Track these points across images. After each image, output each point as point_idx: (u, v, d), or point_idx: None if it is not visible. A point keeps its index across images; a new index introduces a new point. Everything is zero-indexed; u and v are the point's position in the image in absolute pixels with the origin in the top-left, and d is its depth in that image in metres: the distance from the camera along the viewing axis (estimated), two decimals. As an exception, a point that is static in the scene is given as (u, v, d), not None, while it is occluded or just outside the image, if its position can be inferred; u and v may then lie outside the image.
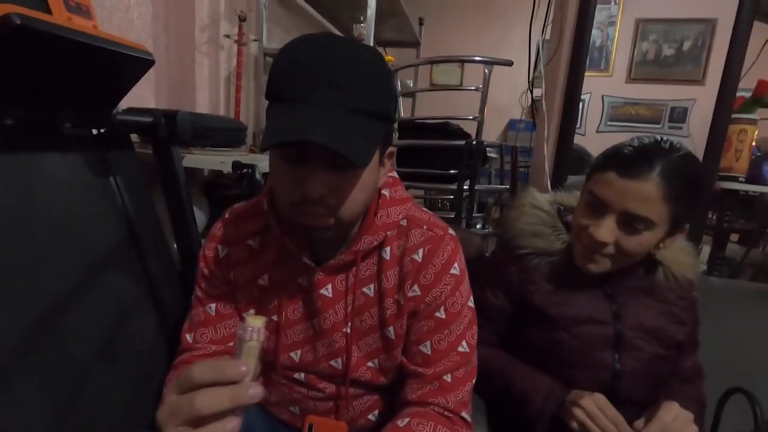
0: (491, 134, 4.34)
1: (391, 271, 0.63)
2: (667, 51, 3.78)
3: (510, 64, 1.38)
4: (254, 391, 0.38)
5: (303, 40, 0.51)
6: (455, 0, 4.35)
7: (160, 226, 1.07)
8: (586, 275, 0.74)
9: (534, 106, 1.41)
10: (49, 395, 0.75)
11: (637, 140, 0.68)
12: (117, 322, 0.89)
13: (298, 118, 0.47)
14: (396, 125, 1.73)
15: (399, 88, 1.71)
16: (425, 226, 0.65)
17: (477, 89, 1.43)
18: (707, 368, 0.81)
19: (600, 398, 0.66)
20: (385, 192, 0.64)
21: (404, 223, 0.65)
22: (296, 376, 0.68)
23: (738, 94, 1.15)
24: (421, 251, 0.63)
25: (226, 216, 0.71)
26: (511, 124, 4.13)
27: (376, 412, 0.71)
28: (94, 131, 0.91)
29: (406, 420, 0.59)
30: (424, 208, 0.69)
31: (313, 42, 0.50)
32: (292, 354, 0.67)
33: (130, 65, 0.78)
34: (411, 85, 3.07)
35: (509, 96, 4.03)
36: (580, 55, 1.22)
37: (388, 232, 0.62)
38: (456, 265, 0.64)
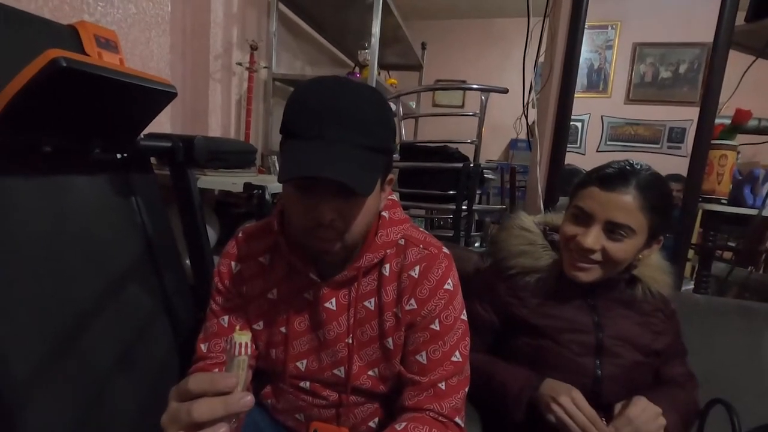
0: (493, 153, 4.43)
1: (390, 286, 0.69)
2: (664, 73, 3.88)
3: (505, 91, 1.47)
4: (245, 401, 0.44)
5: (313, 83, 0.58)
6: (456, 25, 4.50)
7: (176, 243, 1.14)
8: (571, 289, 0.80)
9: (529, 130, 1.48)
10: (71, 401, 0.80)
11: (615, 163, 0.78)
12: (134, 333, 0.95)
13: (310, 154, 0.54)
14: (395, 154, 1.81)
15: (401, 112, 1.78)
16: (421, 245, 0.71)
17: (474, 114, 1.51)
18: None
19: (577, 394, 0.71)
20: (385, 213, 0.71)
21: (402, 242, 0.71)
22: (302, 384, 0.73)
23: (719, 121, 1.23)
24: (417, 268, 0.69)
25: (239, 235, 0.77)
26: (512, 144, 4.22)
27: (376, 419, 0.75)
28: (119, 156, 0.99)
29: (404, 424, 0.64)
30: (421, 228, 0.76)
31: (322, 85, 0.58)
32: (298, 363, 0.72)
33: (156, 98, 0.86)
34: (413, 106, 3.17)
35: (510, 116, 4.14)
36: (569, 81, 1.30)
37: (388, 250, 0.69)
38: (450, 281, 0.69)
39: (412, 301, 0.68)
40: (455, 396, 0.67)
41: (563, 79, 1.29)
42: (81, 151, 0.86)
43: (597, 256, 0.75)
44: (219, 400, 0.43)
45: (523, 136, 1.94)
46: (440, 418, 0.65)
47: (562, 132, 1.29)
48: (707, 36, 1.32)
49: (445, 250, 0.72)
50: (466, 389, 0.69)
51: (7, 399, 0.71)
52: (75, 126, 0.81)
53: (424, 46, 3.25)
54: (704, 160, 1.19)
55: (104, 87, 0.76)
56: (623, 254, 0.74)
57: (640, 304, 0.81)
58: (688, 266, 1.94)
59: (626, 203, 0.72)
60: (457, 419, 0.66)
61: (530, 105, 1.39)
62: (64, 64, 0.66)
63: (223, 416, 0.43)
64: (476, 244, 1.71)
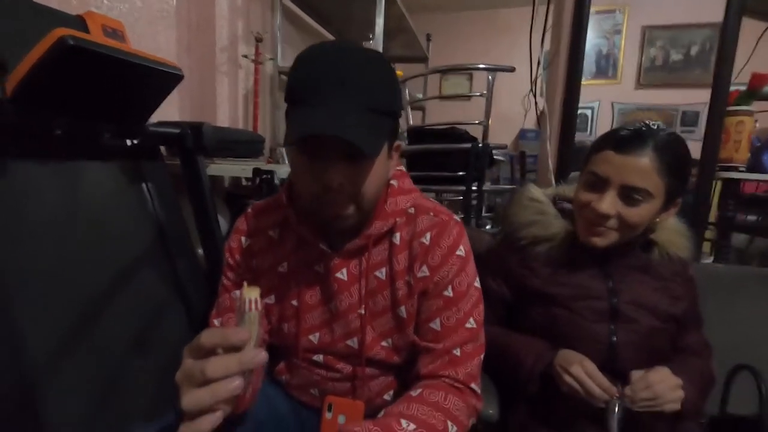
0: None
1: (402, 254, 0.68)
2: (675, 56, 3.81)
3: (512, 70, 1.45)
4: (259, 357, 0.44)
5: (315, 49, 0.58)
6: (461, 16, 4.48)
7: (187, 230, 1.15)
8: (584, 256, 0.79)
9: (537, 108, 1.46)
10: (88, 381, 0.82)
11: (630, 124, 0.75)
12: (147, 317, 0.96)
13: (316, 116, 0.54)
14: (404, 129, 1.80)
15: (407, 97, 1.78)
16: (432, 213, 0.70)
17: (482, 95, 1.50)
18: (716, 351, 0.83)
19: (588, 364, 0.70)
20: (394, 182, 0.70)
21: (412, 211, 0.70)
22: (315, 358, 0.73)
23: (733, 88, 1.19)
24: (428, 235, 0.68)
25: (249, 211, 0.77)
26: (522, 134, 4.18)
27: (391, 392, 0.75)
28: (129, 142, 1.00)
29: (419, 390, 0.63)
30: (430, 198, 0.75)
31: (325, 49, 0.57)
32: (311, 336, 0.72)
33: (163, 80, 0.87)
34: (421, 97, 3.16)
35: (518, 106, 4.10)
36: (578, 49, 1.27)
37: (397, 219, 0.68)
38: (462, 247, 0.68)
39: (424, 267, 0.67)
40: (470, 362, 0.66)
41: (572, 43, 1.26)
42: (91, 136, 0.87)
43: (612, 222, 0.73)
44: (233, 357, 0.43)
45: (531, 119, 1.92)
46: (456, 384, 0.64)
47: (572, 102, 1.26)
48: (718, 16, 1.29)
49: (456, 218, 0.72)
50: (482, 356, 0.68)
51: (25, 380, 0.72)
52: (85, 109, 0.82)
53: (429, 38, 3.24)
54: (720, 127, 1.16)
55: (111, 67, 0.77)
56: (639, 219, 0.72)
57: (657, 269, 0.79)
58: (706, 245, 1.90)
59: (643, 166, 0.70)
60: (472, 385, 0.65)
61: (539, 81, 1.38)
62: (72, 43, 0.66)
63: (236, 373, 0.43)
64: (487, 227, 1.69)
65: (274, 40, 1.98)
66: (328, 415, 0.72)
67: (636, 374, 0.69)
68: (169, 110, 1.47)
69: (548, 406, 0.76)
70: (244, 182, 1.69)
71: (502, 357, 0.79)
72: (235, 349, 0.44)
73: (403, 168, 0.76)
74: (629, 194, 0.71)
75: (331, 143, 0.55)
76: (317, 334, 0.72)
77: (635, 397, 0.67)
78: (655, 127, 0.72)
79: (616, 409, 0.67)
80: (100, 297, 0.87)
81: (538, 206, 0.85)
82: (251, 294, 0.45)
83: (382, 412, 0.61)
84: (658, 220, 0.77)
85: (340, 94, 0.54)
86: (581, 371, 0.68)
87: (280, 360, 0.79)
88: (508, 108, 3.87)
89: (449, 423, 0.59)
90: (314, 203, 0.60)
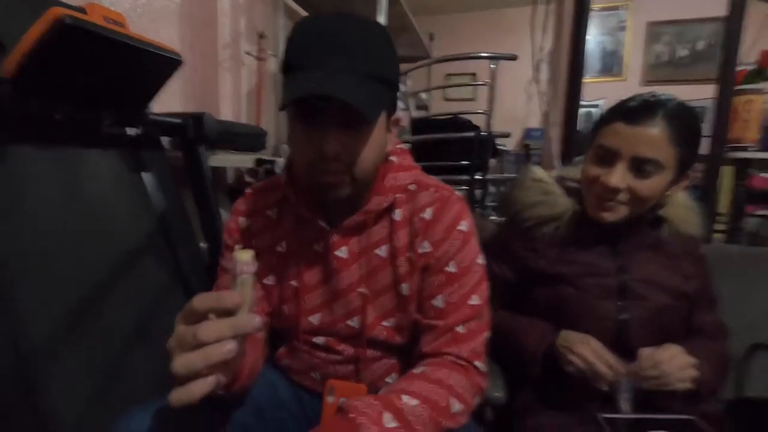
0: (509, 144, 4.37)
1: (402, 231, 0.67)
2: (681, 52, 3.77)
3: (514, 58, 1.44)
4: (253, 322, 0.42)
5: (313, 17, 0.57)
6: (464, 18, 4.48)
7: (189, 221, 1.14)
8: (592, 234, 0.76)
9: (540, 91, 1.45)
10: (88, 368, 0.81)
11: (638, 96, 0.73)
12: (148, 304, 0.95)
13: (313, 78, 0.53)
14: (407, 123, 1.79)
15: (408, 88, 1.77)
16: (433, 189, 0.69)
17: (485, 83, 1.49)
18: (732, 333, 0.80)
19: (594, 342, 0.68)
20: (394, 159, 0.69)
21: (413, 187, 0.69)
22: (316, 340, 0.71)
23: (741, 68, 1.17)
24: (429, 210, 0.66)
25: (247, 191, 0.76)
26: (527, 134, 4.15)
27: (394, 375, 0.73)
28: (130, 131, 1.00)
29: (422, 368, 0.61)
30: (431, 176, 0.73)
31: (322, 18, 0.57)
32: (311, 318, 0.70)
33: (162, 64, 0.87)
34: (425, 97, 3.16)
35: (524, 106, 4.08)
36: (579, 37, 1.25)
37: (397, 195, 0.66)
38: (464, 222, 0.67)
39: (425, 243, 0.65)
40: (474, 340, 0.64)
41: (574, 29, 1.25)
42: (92, 123, 0.87)
43: (623, 196, 0.71)
44: (225, 322, 0.42)
45: (536, 118, 1.90)
46: (459, 361, 0.62)
47: (576, 82, 1.24)
48: (724, 10, 1.26)
49: (458, 194, 0.70)
50: (486, 334, 0.66)
51: (26, 366, 0.71)
52: (84, 94, 0.82)
53: (432, 37, 3.25)
54: (728, 108, 1.13)
55: (110, 50, 0.77)
56: (651, 192, 0.70)
57: (667, 247, 0.77)
58: (717, 236, 1.85)
59: (654, 136, 0.68)
60: (477, 363, 0.63)
61: (541, 64, 1.36)
62: (69, 22, 0.66)
63: (229, 337, 0.41)
64: (492, 217, 1.67)
65: (276, 38, 1.99)
66: (329, 399, 0.70)
67: (644, 351, 0.67)
68: (172, 106, 1.47)
69: (554, 388, 0.74)
70: (247, 178, 1.69)
71: (505, 340, 0.77)
72: (228, 313, 0.42)
73: (404, 146, 0.75)
74: (640, 166, 0.69)
75: (329, 109, 0.54)
76: (318, 315, 0.70)
77: (642, 374, 0.65)
78: (663, 97, 0.71)
79: (623, 387, 0.65)
80: (99, 285, 0.86)
81: (542, 186, 0.83)
82: (244, 256, 0.44)
83: (382, 390, 0.60)
84: (668, 193, 0.74)
85: (339, 59, 0.53)
86: (586, 349, 0.66)
87: (280, 345, 0.78)
88: (512, 110, 3.86)
89: (452, 399, 0.57)
90: (310, 172, 0.59)
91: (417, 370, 0.61)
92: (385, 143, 0.64)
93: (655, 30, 3.82)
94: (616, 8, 3.86)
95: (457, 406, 0.58)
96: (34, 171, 0.79)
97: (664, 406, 0.67)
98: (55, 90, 0.76)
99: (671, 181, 0.72)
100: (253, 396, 0.69)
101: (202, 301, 0.42)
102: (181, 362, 0.40)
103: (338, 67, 0.53)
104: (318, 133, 0.56)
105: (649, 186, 0.70)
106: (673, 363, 0.65)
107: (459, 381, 0.60)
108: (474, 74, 4.28)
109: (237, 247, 0.47)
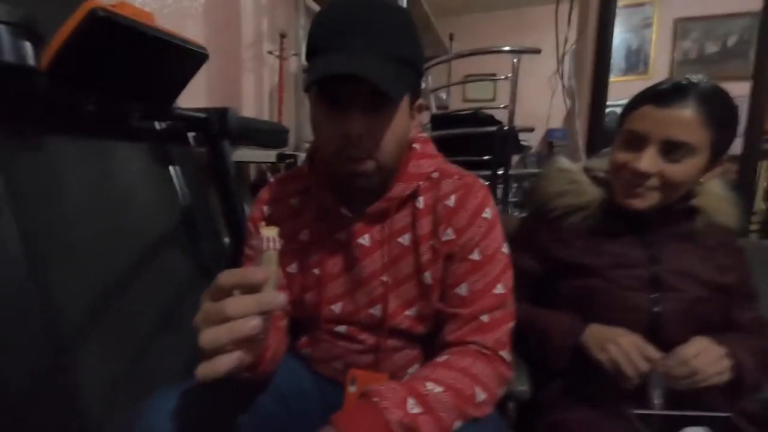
0: (531, 142, 4.30)
1: (425, 218, 0.66)
2: (711, 48, 3.65)
3: (538, 51, 1.42)
4: (278, 300, 0.42)
5: (335, 3, 0.58)
6: (484, 18, 4.45)
7: (213, 215, 1.16)
8: (621, 224, 0.74)
9: (564, 87, 1.42)
10: (119, 354, 0.83)
11: (668, 79, 0.70)
12: (173, 295, 0.97)
13: (338, 59, 0.53)
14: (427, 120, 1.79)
15: (429, 84, 1.76)
16: (456, 176, 0.68)
17: (506, 78, 1.47)
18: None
19: (637, 338, 0.65)
20: (417, 146, 0.68)
21: (436, 175, 0.68)
22: (338, 329, 0.71)
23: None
24: (453, 197, 0.65)
25: (271, 180, 0.77)
26: (549, 134, 4.08)
27: (416, 365, 0.72)
28: (157, 125, 1.02)
29: (445, 357, 0.60)
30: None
31: (344, 3, 0.57)
32: (333, 306, 0.70)
33: (189, 58, 0.89)
34: (445, 98, 3.14)
35: (546, 107, 4.02)
36: (606, 32, 1.23)
37: (420, 183, 0.66)
38: (488, 209, 0.66)
39: (449, 230, 0.65)
40: (499, 329, 0.63)
41: (600, 22, 1.22)
42: (122, 115, 0.89)
43: (653, 182, 0.68)
44: (251, 297, 0.42)
45: (558, 118, 1.86)
46: (484, 350, 0.61)
47: (602, 81, 1.21)
48: (757, 4, 1.21)
49: (482, 181, 0.69)
50: (511, 324, 0.65)
51: (57, 350, 0.73)
52: (115, 87, 0.84)
53: (452, 37, 3.24)
54: (764, 97, 1.08)
55: (140, 43, 0.79)
56: (683, 176, 0.67)
57: (701, 238, 0.73)
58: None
59: (685, 118, 0.65)
60: (502, 353, 0.62)
61: (565, 57, 1.34)
62: (101, 14, 0.68)
63: (255, 313, 0.41)
64: (515, 213, 1.65)
65: (297, 38, 2.01)
66: (351, 389, 0.70)
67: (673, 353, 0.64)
68: (197, 106, 1.51)
69: (581, 383, 0.71)
70: (269, 176, 1.71)
71: (530, 332, 0.75)
72: (254, 290, 0.43)
73: (426, 135, 0.74)
74: (671, 150, 0.67)
75: (352, 90, 0.54)
76: (339, 304, 0.70)
77: (671, 374, 0.62)
78: (696, 78, 0.68)
79: (656, 383, 0.62)
80: (125, 275, 0.88)
81: (569, 176, 0.81)
82: (269, 233, 0.44)
83: (405, 378, 0.59)
84: (702, 180, 0.71)
85: (361, 41, 0.54)
86: (631, 344, 0.64)
87: (302, 334, 0.78)
88: (533, 109, 3.80)
89: (477, 389, 0.56)
90: (334, 157, 0.59)
91: (441, 359, 0.60)
92: (408, 129, 0.64)
93: (682, 26, 3.71)
94: (641, 4, 3.77)
95: (482, 395, 0.56)
96: (67, 161, 0.82)
97: (701, 402, 0.64)
98: (87, 82, 0.78)
99: (704, 166, 0.69)
100: (276, 383, 0.69)
101: (227, 277, 0.43)
102: (208, 337, 0.41)
103: (363, 48, 0.54)
104: (341, 115, 0.56)
105: (681, 170, 0.67)
106: (702, 358, 0.62)
107: (483, 370, 0.58)
108: (494, 74, 4.24)
109: (262, 223, 0.47)
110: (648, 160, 0.67)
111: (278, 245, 0.45)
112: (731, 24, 3.56)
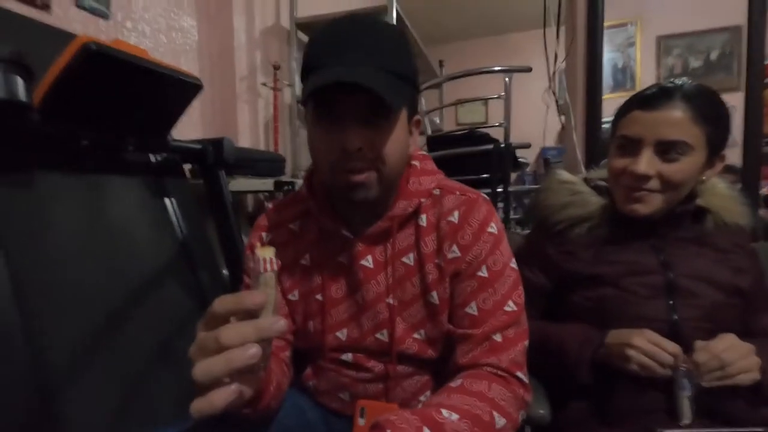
0: (527, 159, 4.34)
1: (429, 237, 0.64)
2: (695, 63, 3.74)
3: (529, 70, 1.44)
4: (277, 326, 0.39)
5: (330, 22, 0.58)
6: (471, 45, 4.59)
7: (211, 246, 1.14)
8: (629, 231, 0.72)
9: (558, 106, 1.44)
10: (109, 391, 0.79)
11: (653, 84, 0.71)
12: (170, 328, 0.94)
13: (335, 71, 0.53)
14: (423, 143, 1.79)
15: (423, 107, 1.78)
16: (458, 192, 0.66)
17: (499, 96, 1.48)
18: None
19: (650, 333, 0.63)
20: (416, 163, 0.67)
21: (437, 192, 0.67)
22: (344, 357, 0.68)
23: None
24: (456, 213, 0.64)
25: (269, 206, 0.75)
26: (543, 152, 4.12)
27: (428, 393, 0.68)
28: (152, 158, 1.01)
29: (459, 381, 0.57)
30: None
31: (336, 22, 0.57)
32: (338, 333, 0.67)
33: (182, 89, 0.89)
34: (438, 122, 3.19)
35: (538, 127, 4.08)
36: (596, 38, 1.24)
37: (422, 200, 0.64)
38: (493, 224, 0.64)
39: (454, 247, 0.62)
40: (513, 348, 0.59)
41: (589, 27, 1.23)
42: (116, 148, 0.88)
43: (654, 184, 0.67)
44: (248, 324, 0.39)
45: (551, 137, 1.88)
46: (499, 372, 0.58)
47: (594, 100, 1.22)
48: (736, 18, 1.24)
49: (484, 196, 0.67)
50: (526, 343, 0.62)
51: (46, 387, 0.70)
52: (108, 120, 0.84)
53: (441, 64, 3.31)
54: (760, 100, 1.09)
55: (133, 75, 0.79)
56: (683, 175, 0.67)
57: (713, 240, 0.72)
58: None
59: (675, 117, 0.65)
60: (518, 374, 0.58)
61: (556, 75, 1.35)
62: (95, 48, 0.69)
63: (253, 340, 0.38)
64: (518, 230, 1.63)
65: (290, 69, 2.05)
66: (360, 421, 0.66)
67: (698, 343, 0.61)
68: (192, 138, 1.51)
69: (603, 401, 0.68)
70: (267, 206, 1.70)
71: (545, 348, 0.71)
72: (251, 315, 0.40)
73: (425, 152, 0.73)
74: (666, 150, 0.66)
75: (350, 103, 0.53)
76: (344, 330, 0.67)
77: (702, 368, 0.59)
78: (680, 81, 0.69)
79: (685, 383, 0.59)
80: (121, 309, 0.86)
81: (570, 187, 0.80)
82: (266, 253, 0.41)
83: (419, 406, 0.55)
84: (704, 178, 0.70)
85: (359, 55, 0.54)
86: (646, 341, 0.62)
87: (306, 365, 0.74)
88: (526, 130, 3.86)
89: (496, 414, 0.53)
90: (335, 174, 0.57)
91: (454, 383, 0.57)
92: (408, 143, 0.63)
93: (665, 43, 3.81)
94: (623, 25, 3.89)
95: (501, 420, 0.53)
96: (61, 196, 0.80)
97: (727, 410, 0.61)
98: (81, 116, 0.78)
99: (703, 164, 0.68)
100: (280, 419, 0.65)
101: (222, 303, 0.39)
102: (202, 368, 0.37)
103: (359, 61, 0.53)
104: (339, 129, 0.55)
105: (679, 169, 0.66)
106: (732, 352, 0.60)
107: (500, 393, 0.55)
108: (486, 103, 4.33)
109: (258, 244, 0.44)
110: (645, 162, 0.67)
111: (276, 266, 0.41)
112: (712, 39, 3.66)
